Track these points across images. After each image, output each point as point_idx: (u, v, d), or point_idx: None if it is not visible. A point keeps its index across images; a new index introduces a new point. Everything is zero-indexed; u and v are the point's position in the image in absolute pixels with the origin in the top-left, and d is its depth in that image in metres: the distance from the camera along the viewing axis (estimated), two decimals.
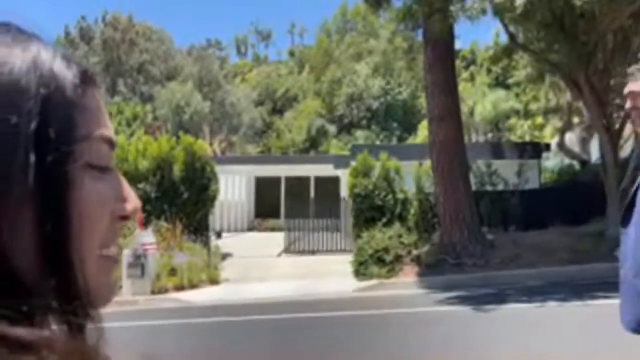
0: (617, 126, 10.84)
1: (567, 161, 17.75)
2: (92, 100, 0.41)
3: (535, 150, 15.04)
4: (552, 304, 6.98)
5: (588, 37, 9.76)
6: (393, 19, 11.35)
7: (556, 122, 20.16)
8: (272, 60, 54.46)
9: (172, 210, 10.95)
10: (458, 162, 10.18)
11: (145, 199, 10.41)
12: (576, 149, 18.93)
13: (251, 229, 19.75)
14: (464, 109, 18.92)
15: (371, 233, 10.52)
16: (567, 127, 18.77)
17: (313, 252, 13.05)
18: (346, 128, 34.31)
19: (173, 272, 9.22)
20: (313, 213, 14.12)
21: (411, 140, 29.54)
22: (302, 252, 13.12)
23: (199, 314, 7.64)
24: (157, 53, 36.75)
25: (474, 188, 11.19)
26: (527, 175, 13.61)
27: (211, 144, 28.23)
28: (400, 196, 11.66)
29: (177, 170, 11.49)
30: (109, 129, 0.42)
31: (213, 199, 11.96)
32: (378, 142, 28.88)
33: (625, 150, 11.72)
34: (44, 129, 0.36)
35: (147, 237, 8.84)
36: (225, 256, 12.02)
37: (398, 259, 9.86)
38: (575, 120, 18.61)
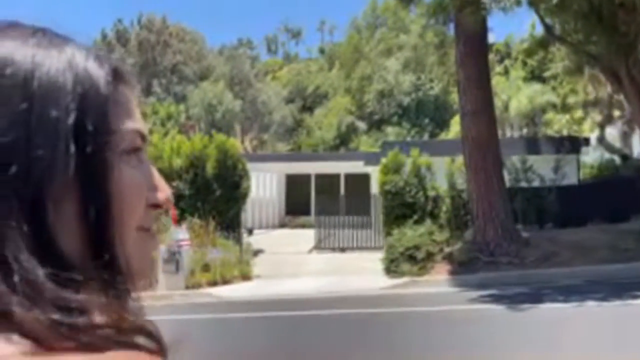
0: None
1: (607, 156, 17.12)
2: (123, 95, 0.44)
3: (573, 144, 14.56)
4: (590, 304, 6.76)
5: (628, 27, 9.37)
6: (423, 13, 11.20)
7: (595, 116, 19.45)
8: (302, 58, 54.63)
9: (205, 207, 11.16)
10: (491, 158, 9.98)
11: (179, 196, 10.65)
12: (617, 143, 18.23)
13: (282, 225, 19.92)
14: (498, 103, 18.48)
15: (402, 230, 10.45)
16: (607, 120, 18.09)
17: (343, 249, 13.06)
18: (376, 124, 34.09)
19: (206, 267, 9.41)
20: (343, 210, 14.12)
21: (443, 136, 29.11)
22: (333, 249, 13.15)
23: (232, 308, 7.77)
24: (190, 53, 37.42)
25: (508, 184, 10.94)
26: (565, 170, 13.19)
27: (242, 142, 28.60)
28: (432, 193, 11.52)
29: (210, 168, 11.70)
30: (140, 122, 0.45)
31: (244, 196, 12.13)
32: (409, 138, 28.57)
33: None
34: (82, 121, 0.40)
35: (181, 234, 9.04)
36: (256, 252, 12.18)
37: (429, 256, 9.76)
38: (616, 113, 17.92)
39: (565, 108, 24.54)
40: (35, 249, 0.36)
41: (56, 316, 0.34)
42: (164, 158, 11.44)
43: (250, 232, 14.93)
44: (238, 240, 11.45)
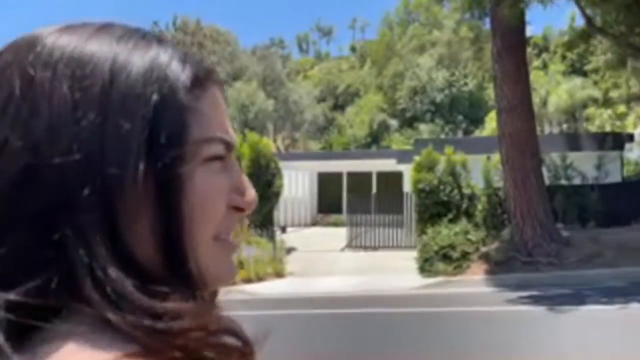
0: None
1: None
2: (207, 101, 0.42)
3: (616, 140, 13.99)
4: (635, 305, 6.48)
5: None
6: (458, 8, 10.99)
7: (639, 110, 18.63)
8: (333, 56, 54.60)
9: None
10: (529, 155, 9.70)
11: None
12: None
13: (314, 223, 19.97)
14: (536, 98, 17.96)
15: (436, 229, 10.29)
16: None
17: (375, 248, 12.98)
18: (408, 122, 33.71)
19: (240, 264, 9.53)
20: (375, 208, 14.04)
21: (477, 133, 28.52)
22: (365, 247, 13.09)
23: (266, 306, 7.85)
24: (224, 54, 37.99)
25: (547, 182, 10.62)
26: (608, 167, 12.70)
27: (275, 141, 28.83)
28: (467, 191, 11.29)
29: (243, 167, 11.85)
30: (225, 129, 0.43)
31: (277, 194, 12.22)
32: (442, 136, 28.13)
33: None
34: (156, 134, 0.38)
35: None
36: (289, 250, 12.25)
37: (465, 255, 9.58)
38: None
39: (607, 103, 23.61)
40: (118, 262, 0.36)
41: (150, 322, 0.35)
42: None
43: (283, 229, 15.03)
44: (271, 238, 11.55)
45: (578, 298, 7.14)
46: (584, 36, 11.69)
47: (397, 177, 16.96)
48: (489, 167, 11.35)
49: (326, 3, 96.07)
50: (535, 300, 7.21)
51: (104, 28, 0.41)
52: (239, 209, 0.44)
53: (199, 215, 0.40)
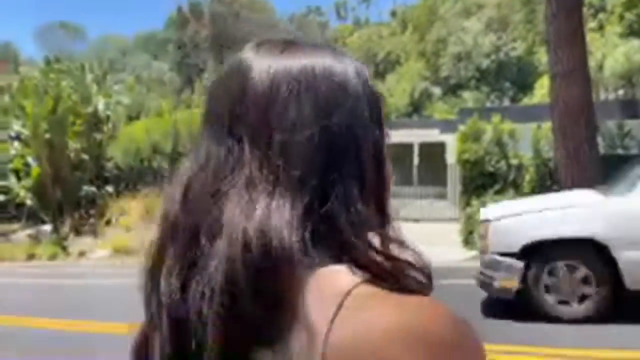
0: None
1: None
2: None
3: None
4: None
5: None
6: None
7: None
8: (373, 22, 53.17)
9: None
10: (584, 123, 9.12)
11: None
12: None
13: None
14: (591, 62, 16.84)
15: (482, 201, 9.94)
16: None
17: (417, 220, 12.77)
18: (452, 90, 32.61)
19: None
20: (417, 180, 13.77)
21: (526, 101, 27.25)
22: (406, 219, 12.89)
23: None
24: (260, 23, 37.68)
25: (602, 151, 10.00)
26: None
27: None
28: (514, 161, 10.82)
29: None
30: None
31: None
32: (488, 104, 27.08)
33: None
34: (377, 118, 0.56)
35: None
36: None
37: None
38: None
39: None
40: (362, 202, 0.51)
41: (381, 258, 0.48)
42: None
43: None
44: None
45: None
46: None
47: (440, 147, 16.50)
48: (539, 136, 10.81)
49: None
50: None
51: (295, 43, 0.58)
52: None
53: (388, 182, 0.57)
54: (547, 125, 10.16)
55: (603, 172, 9.36)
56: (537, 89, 25.85)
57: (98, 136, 15.78)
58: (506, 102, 28.33)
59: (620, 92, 23.46)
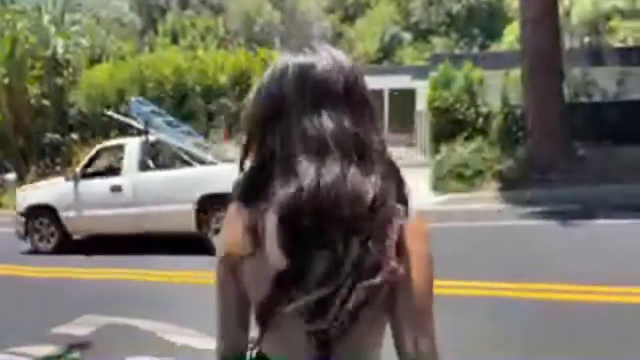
0: None
1: None
2: None
3: None
4: None
5: None
6: None
7: None
8: None
9: None
10: (552, 71, 9.34)
11: (227, 113, 10.71)
12: None
13: None
14: (560, 9, 16.92)
15: (450, 147, 10.23)
16: None
17: None
18: (422, 35, 32.28)
19: None
20: (387, 127, 13.89)
21: (494, 48, 27.35)
22: None
23: None
24: None
25: (567, 99, 10.34)
26: (629, 84, 12.27)
27: None
28: (483, 109, 11.06)
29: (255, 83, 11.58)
30: None
31: None
32: (457, 50, 27.05)
33: None
34: (352, 99, 0.92)
35: (230, 152, 9.20)
36: None
37: (478, 173, 9.60)
38: None
39: (634, 15, 22.27)
40: (378, 133, 0.92)
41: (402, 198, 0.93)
42: (209, 74, 11.37)
43: None
44: None
45: (590, 213, 7.24)
46: None
47: (410, 94, 16.57)
48: (507, 83, 11.01)
49: None
50: (546, 215, 7.34)
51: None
52: None
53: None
54: (515, 72, 10.36)
55: (567, 119, 9.73)
56: (505, 36, 25.94)
57: (59, 81, 15.06)
58: (475, 49, 28.36)
59: (586, 39, 23.79)
